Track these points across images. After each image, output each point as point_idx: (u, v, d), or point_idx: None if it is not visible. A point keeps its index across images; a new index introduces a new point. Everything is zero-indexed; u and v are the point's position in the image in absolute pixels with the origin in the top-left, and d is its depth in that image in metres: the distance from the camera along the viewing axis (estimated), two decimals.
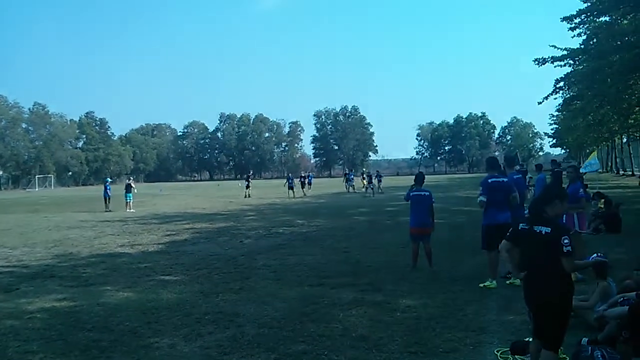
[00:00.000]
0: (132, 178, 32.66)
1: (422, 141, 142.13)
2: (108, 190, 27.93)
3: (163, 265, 11.02)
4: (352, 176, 44.47)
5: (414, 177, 10.24)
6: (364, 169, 58.46)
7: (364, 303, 7.41)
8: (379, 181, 40.30)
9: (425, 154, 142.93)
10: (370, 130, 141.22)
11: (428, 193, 9.79)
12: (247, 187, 39.50)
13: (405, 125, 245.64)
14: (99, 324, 6.79)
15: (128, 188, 27.63)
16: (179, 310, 7.35)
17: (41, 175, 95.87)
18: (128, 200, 27.22)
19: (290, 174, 44.25)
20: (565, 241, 4.18)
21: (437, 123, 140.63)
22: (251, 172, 51.36)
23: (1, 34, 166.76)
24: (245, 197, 37.57)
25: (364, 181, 40.05)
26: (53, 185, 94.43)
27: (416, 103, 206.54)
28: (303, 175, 47.45)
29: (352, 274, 9.50)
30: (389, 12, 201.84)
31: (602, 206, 15.16)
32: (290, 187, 38.34)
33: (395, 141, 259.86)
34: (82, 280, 9.77)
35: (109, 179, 31.73)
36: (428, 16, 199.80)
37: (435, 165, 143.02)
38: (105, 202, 27.66)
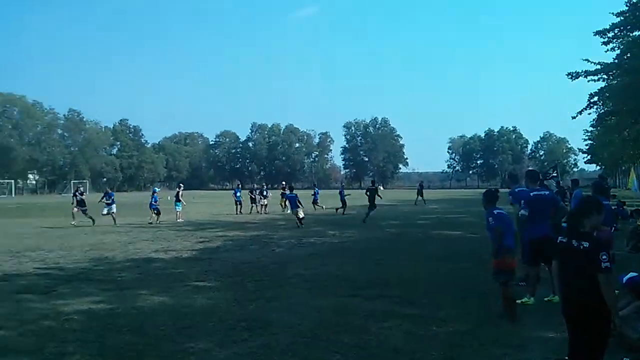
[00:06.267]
0: (182, 186, 29.60)
1: (454, 154, 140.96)
2: (155, 201, 25.03)
3: (197, 272, 11.11)
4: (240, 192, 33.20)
5: (484, 195, 7.71)
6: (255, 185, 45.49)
7: (398, 315, 7.34)
8: (264, 196, 32.19)
9: (457, 167, 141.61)
10: (400, 142, 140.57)
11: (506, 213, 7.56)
12: (254, 200, 32.27)
13: (436, 138, 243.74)
14: (134, 327, 6.87)
15: (177, 198, 26.63)
16: (213, 316, 7.39)
17: (76, 181, 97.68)
18: (178, 210, 26.29)
19: (238, 185, 36.12)
20: (604, 257, 4.10)
21: (469, 136, 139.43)
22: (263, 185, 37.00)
23: (36, 40, 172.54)
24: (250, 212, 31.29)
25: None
26: (88, 191, 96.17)
27: (447, 116, 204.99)
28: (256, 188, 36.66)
29: (385, 286, 9.42)
30: (420, 25, 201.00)
31: None
32: (239, 202, 31.77)
33: (426, 154, 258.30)
34: (117, 284, 9.91)
35: (157, 189, 28.26)
36: (461, 29, 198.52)
37: (467, 179, 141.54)
38: (153, 213, 24.78)
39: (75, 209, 23.59)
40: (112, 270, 11.48)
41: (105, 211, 24.00)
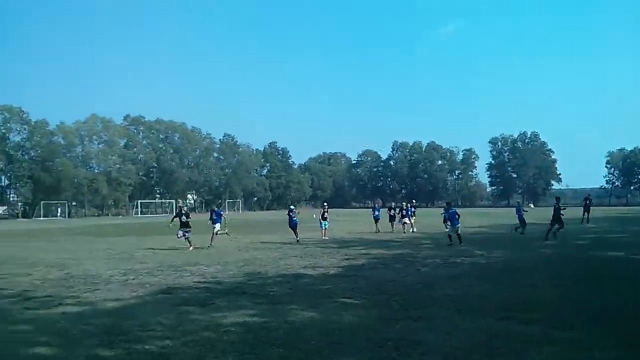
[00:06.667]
0: (326, 205, 30.00)
1: (613, 169, 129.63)
2: (294, 218, 25.29)
3: (343, 288, 11.28)
4: (378, 210, 33.80)
5: None
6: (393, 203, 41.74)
7: (557, 340, 6.88)
8: (403, 215, 30.89)
9: (617, 183, 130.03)
10: (552, 157, 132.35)
11: None
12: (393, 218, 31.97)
13: (593, 152, 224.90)
14: (287, 341, 7.11)
15: (323, 216, 27.50)
16: (360, 333, 7.43)
17: (230, 200, 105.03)
18: (323, 228, 27.03)
19: (376, 204, 36.22)
20: None
21: (629, 149, 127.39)
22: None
23: (199, 74, 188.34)
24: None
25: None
26: (241, 209, 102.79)
27: (604, 128, 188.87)
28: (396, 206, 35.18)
29: (539, 309, 8.88)
30: (569, 31, 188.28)
31: None
32: (376, 220, 31.99)
33: (582, 169, 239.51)
34: (270, 298, 10.36)
35: (293, 207, 28.09)
36: (617, 29, 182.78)
37: (629, 195, 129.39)
38: (294, 232, 25.09)
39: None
40: (265, 285, 12.03)
41: (216, 227, 23.45)
